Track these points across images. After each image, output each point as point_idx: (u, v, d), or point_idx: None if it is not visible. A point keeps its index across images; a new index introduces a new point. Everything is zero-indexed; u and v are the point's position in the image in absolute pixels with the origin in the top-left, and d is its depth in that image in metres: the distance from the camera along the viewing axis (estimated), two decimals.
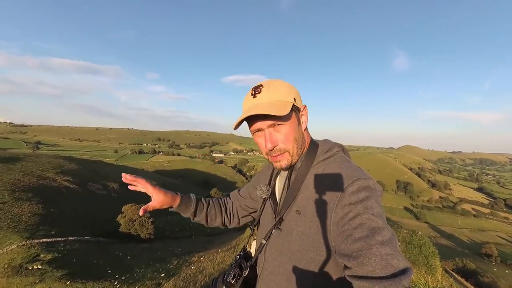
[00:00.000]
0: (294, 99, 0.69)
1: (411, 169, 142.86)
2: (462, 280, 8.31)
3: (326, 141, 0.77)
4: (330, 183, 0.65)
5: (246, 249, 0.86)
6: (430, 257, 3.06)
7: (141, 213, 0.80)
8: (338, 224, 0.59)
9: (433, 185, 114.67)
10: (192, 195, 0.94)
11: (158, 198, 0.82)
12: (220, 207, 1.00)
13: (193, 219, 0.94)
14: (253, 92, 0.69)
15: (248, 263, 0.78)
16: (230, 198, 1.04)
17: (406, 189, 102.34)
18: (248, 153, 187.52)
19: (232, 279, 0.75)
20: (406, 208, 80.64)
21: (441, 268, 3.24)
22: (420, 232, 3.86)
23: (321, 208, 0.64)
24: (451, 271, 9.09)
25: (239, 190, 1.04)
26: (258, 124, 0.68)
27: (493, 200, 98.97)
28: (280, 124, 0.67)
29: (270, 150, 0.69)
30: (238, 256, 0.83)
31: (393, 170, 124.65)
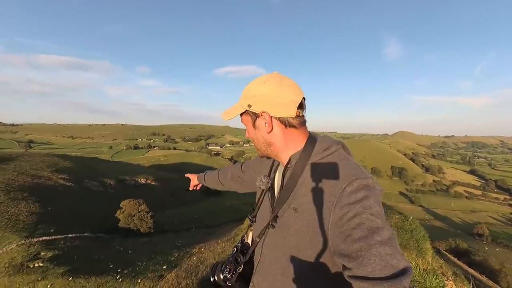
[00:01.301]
0: (249, 105, 0.73)
1: (405, 154, 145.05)
2: (455, 259, 8.62)
3: (325, 138, 0.75)
4: (328, 181, 0.64)
5: (244, 240, 0.87)
6: (421, 241, 3.15)
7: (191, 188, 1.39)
8: (337, 224, 0.58)
9: (427, 169, 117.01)
10: (207, 174, 1.32)
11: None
12: (227, 179, 1.21)
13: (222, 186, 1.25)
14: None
15: (244, 258, 0.80)
16: (233, 168, 1.20)
17: (401, 175, 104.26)
18: (244, 145, 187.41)
19: (228, 273, 0.78)
20: (401, 193, 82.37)
21: (431, 251, 3.35)
22: (411, 217, 3.97)
23: (319, 207, 0.63)
24: (444, 251, 9.41)
25: (242, 165, 1.15)
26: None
27: (484, 182, 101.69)
28: (245, 124, 0.79)
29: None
30: (235, 248, 0.84)
31: (388, 156, 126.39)
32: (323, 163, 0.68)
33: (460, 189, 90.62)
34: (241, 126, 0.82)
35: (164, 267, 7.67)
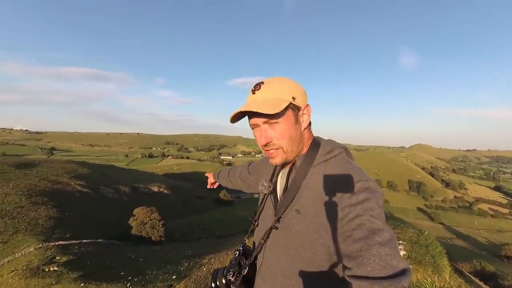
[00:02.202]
0: (293, 98, 0.68)
1: (423, 168, 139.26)
2: (481, 283, 8.02)
3: (329, 142, 0.77)
4: (330, 184, 0.65)
5: (244, 244, 0.87)
6: (437, 257, 2.99)
7: (209, 186, 1.45)
8: (338, 225, 0.59)
9: (447, 184, 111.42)
10: (220, 172, 1.38)
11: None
12: (236, 178, 1.23)
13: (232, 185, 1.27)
14: (253, 88, 0.71)
15: (247, 261, 0.80)
16: (242, 167, 1.21)
17: (419, 189, 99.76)
18: (256, 155, 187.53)
19: (232, 276, 0.77)
20: (419, 209, 78.56)
21: (449, 268, 3.15)
22: (426, 232, 3.77)
23: (321, 209, 0.64)
24: (467, 273, 8.79)
25: (249, 166, 1.16)
26: (254, 120, 0.70)
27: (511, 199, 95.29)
28: (275, 122, 0.68)
29: (264, 146, 0.71)
30: (237, 252, 0.84)
31: (405, 169, 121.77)
32: (327, 166, 0.70)
33: (484, 206, 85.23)
34: (253, 135, 0.76)
35: (174, 277, 7.64)
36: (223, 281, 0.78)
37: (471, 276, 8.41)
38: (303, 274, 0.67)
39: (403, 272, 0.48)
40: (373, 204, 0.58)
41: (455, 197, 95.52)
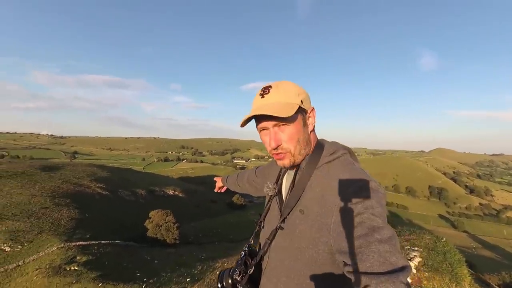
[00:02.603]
0: (301, 101, 0.70)
1: (445, 173, 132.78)
2: None
3: (333, 143, 0.79)
4: (333, 184, 0.67)
5: (250, 244, 0.87)
6: (456, 265, 2.83)
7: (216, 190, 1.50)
8: (339, 223, 0.61)
9: (472, 190, 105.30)
10: (229, 177, 1.39)
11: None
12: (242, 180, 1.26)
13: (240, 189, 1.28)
14: (262, 92, 0.72)
15: (253, 261, 0.81)
16: (250, 171, 1.22)
17: (441, 195, 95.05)
18: (269, 159, 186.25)
19: (238, 276, 0.78)
20: (441, 216, 74.89)
21: (469, 277, 2.96)
22: (444, 238, 3.59)
23: (323, 208, 0.66)
24: (495, 286, 8.24)
25: (256, 169, 1.18)
26: (264, 123, 0.71)
27: None
28: (284, 125, 0.69)
29: (274, 149, 0.72)
30: (243, 253, 0.85)
31: (425, 174, 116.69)
32: (330, 167, 0.72)
33: None
34: None
35: (188, 279, 7.72)
36: (229, 281, 0.79)
37: None
38: (306, 274, 0.68)
39: (402, 269, 0.49)
40: (374, 202, 0.59)
41: (480, 204, 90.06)
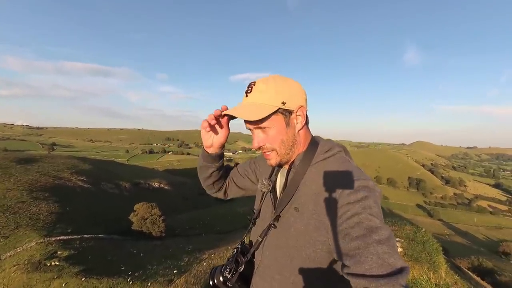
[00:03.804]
0: (283, 103, 0.67)
1: (423, 165, 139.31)
2: (478, 278, 8.08)
3: (327, 141, 0.77)
4: (329, 182, 0.65)
5: (243, 242, 0.87)
6: (434, 254, 3.02)
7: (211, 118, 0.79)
8: (336, 223, 0.60)
9: (447, 181, 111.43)
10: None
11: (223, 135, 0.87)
12: (226, 177, 1.01)
13: (211, 174, 0.94)
14: (247, 89, 0.71)
15: (244, 258, 0.80)
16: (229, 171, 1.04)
17: (419, 186, 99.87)
18: (257, 152, 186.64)
19: (229, 273, 0.77)
20: (418, 205, 78.85)
21: (446, 265, 3.18)
22: (424, 229, 3.80)
23: (319, 206, 0.65)
24: (466, 269, 8.86)
25: (237, 166, 1.04)
26: (247, 124, 0.72)
27: (511, 196, 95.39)
28: (265, 127, 0.69)
29: (257, 149, 0.73)
30: (235, 250, 0.84)
31: (405, 166, 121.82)
32: (325, 164, 0.71)
33: (483, 203, 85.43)
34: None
35: (175, 271, 7.72)
36: (221, 278, 0.78)
37: (469, 272, 8.48)
38: (303, 272, 0.67)
39: (400, 271, 0.48)
40: (372, 202, 0.58)
41: (454, 194, 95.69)
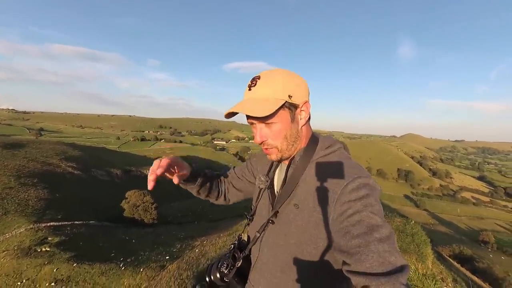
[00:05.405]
0: (290, 96, 0.66)
1: (412, 157, 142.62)
2: (458, 265, 8.51)
3: (327, 137, 0.76)
4: (330, 179, 0.64)
5: (240, 238, 0.86)
6: (422, 245, 3.14)
7: (175, 181, 0.84)
8: (337, 220, 0.59)
9: (434, 173, 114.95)
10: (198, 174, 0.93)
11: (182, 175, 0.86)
12: (218, 184, 1.00)
13: (198, 191, 0.95)
14: (250, 83, 0.69)
15: (242, 254, 0.79)
16: (225, 175, 1.04)
17: (407, 177, 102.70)
18: (250, 141, 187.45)
19: (226, 268, 0.77)
20: (406, 196, 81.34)
21: (432, 256, 3.32)
22: (413, 221, 3.93)
23: (320, 203, 0.64)
24: (447, 257, 9.30)
25: (234, 168, 1.04)
26: (250, 119, 0.70)
27: (493, 188, 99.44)
28: (270, 122, 0.67)
29: (259, 144, 0.71)
30: (232, 246, 0.84)
31: (395, 158, 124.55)
32: (326, 161, 0.69)
33: (467, 195, 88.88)
34: (247, 122, 0.73)
35: (167, 257, 7.81)
36: (217, 274, 0.78)
37: (450, 260, 8.91)
38: (304, 269, 0.67)
39: (401, 269, 0.48)
40: (373, 200, 0.58)
41: (440, 185, 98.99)
